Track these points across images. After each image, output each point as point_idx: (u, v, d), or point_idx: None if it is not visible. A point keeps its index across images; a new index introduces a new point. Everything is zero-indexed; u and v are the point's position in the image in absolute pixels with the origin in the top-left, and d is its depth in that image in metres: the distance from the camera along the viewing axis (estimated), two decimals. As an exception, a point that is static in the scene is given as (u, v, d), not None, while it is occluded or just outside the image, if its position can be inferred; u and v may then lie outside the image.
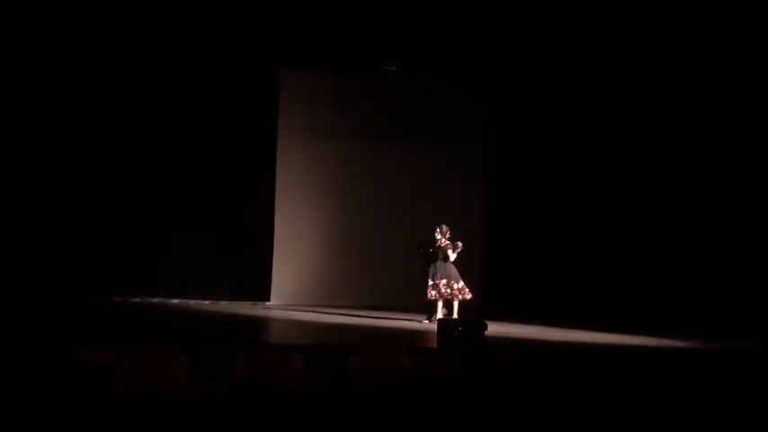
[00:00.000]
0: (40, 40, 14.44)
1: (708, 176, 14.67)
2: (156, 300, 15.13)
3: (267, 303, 15.49)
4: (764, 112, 14.20)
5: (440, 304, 12.90)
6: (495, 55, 15.26)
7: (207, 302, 15.26)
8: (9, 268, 14.36)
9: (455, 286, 12.88)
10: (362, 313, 14.04)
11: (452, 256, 12.94)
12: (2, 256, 14.42)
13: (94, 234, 14.91)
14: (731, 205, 14.43)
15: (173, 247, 15.39)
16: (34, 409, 6.69)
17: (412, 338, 11.70)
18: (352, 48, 14.94)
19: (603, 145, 15.35)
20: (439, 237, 13.04)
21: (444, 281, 12.87)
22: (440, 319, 11.72)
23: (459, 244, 12.96)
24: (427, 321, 12.86)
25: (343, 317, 13.61)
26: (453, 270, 12.97)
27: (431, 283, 12.88)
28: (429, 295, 12.91)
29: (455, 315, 12.73)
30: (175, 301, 15.19)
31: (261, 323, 13.05)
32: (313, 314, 13.90)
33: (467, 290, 12.93)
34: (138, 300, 15.02)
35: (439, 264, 12.94)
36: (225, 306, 15.05)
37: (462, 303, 12.94)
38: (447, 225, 13.19)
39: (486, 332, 10.15)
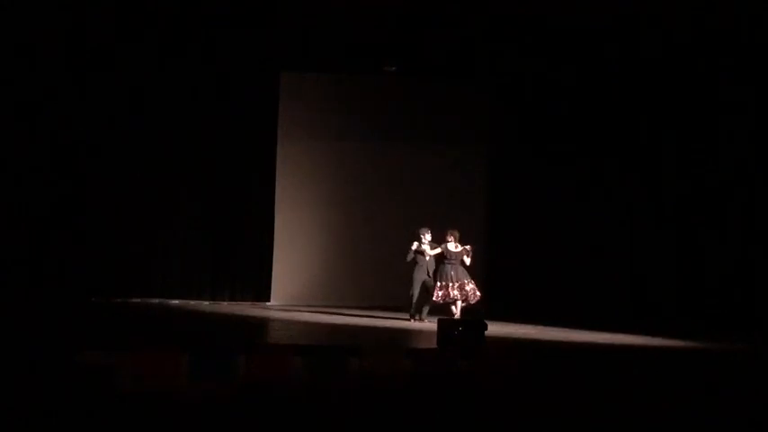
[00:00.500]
0: (38, 40, 14.47)
1: (706, 178, 14.70)
2: (156, 300, 15.14)
3: (267, 303, 15.51)
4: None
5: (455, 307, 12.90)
6: (495, 55, 15.28)
7: (207, 303, 15.28)
8: (9, 269, 14.39)
9: (467, 288, 12.86)
10: (362, 313, 14.05)
11: (468, 261, 12.94)
12: (2, 256, 14.44)
13: (95, 234, 14.92)
14: (726, 207, 14.47)
15: (173, 248, 15.42)
16: (34, 410, 6.69)
17: (412, 338, 11.70)
18: (353, 48, 14.96)
19: (603, 145, 15.36)
20: (451, 241, 12.97)
21: (458, 283, 12.85)
22: (440, 319, 11.71)
23: (469, 248, 12.95)
24: (425, 320, 12.89)
25: (343, 317, 13.62)
26: (465, 272, 12.98)
27: (443, 284, 12.85)
28: (436, 297, 12.90)
29: (457, 315, 12.74)
30: (175, 301, 15.20)
31: (261, 323, 13.04)
32: (313, 314, 13.90)
33: (477, 291, 12.92)
34: (138, 300, 15.03)
35: (457, 267, 12.91)
36: (225, 306, 15.07)
37: (470, 305, 12.94)
38: (455, 230, 13.13)
39: (486, 332, 10.14)
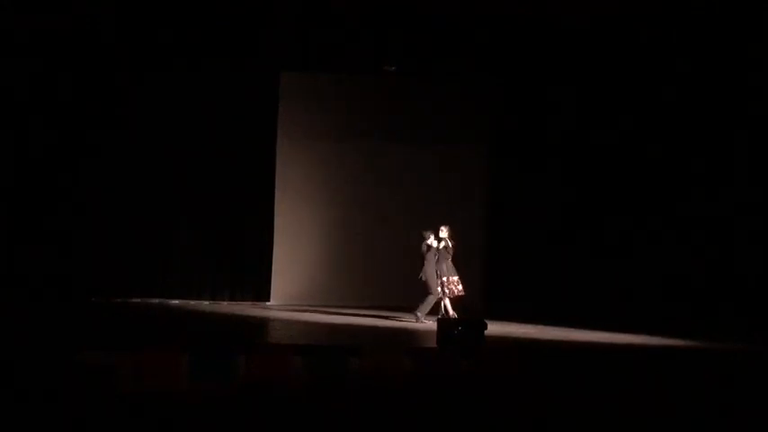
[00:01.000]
0: (36, 40, 14.47)
1: (704, 180, 14.72)
2: (156, 300, 15.14)
3: (267, 303, 15.50)
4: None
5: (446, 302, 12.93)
6: (495, 55, 15.27)
7: (207, 303, 15.28)
8: (9, 269, 14.38)
9: (452, 280, 12.90)
10: (362, 313, 14.04)
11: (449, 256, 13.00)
12: (2, 257, 14.43)
13: (95, 235, 14.91)
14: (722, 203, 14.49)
15: (173, 248, 15.41)
16: (34, 410, 6.69)
17: (412, 338, 11.70)
18: (353, 48, 14.95)
19: (603, 144, 15.35)
20: (445, 236, 13.00)
21: (445, 279, 12.89)
22: (439, 319, 11.71)
23: (450, 243, 13.03)
24: (424, 320, 12.88)
25: (343, 317, 13.61)
26: (450, 267, 13.04)
27: (444, 280, 12.88)
28: (437, 292, 12.92)
29: (451, 313, 12.78)
30: (175, 301, 15.19)
31: (261, 323, 13.04)
32: (313, 314, 13.90)
33: (460, 285, 12.95)
34: (138, 300, 15.02)
35: (447, 263, 12.94)
36: (225, 306, 15.06)
37: (455, 299, 12.97)
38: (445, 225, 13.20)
39: (486, 332, 10.14)
